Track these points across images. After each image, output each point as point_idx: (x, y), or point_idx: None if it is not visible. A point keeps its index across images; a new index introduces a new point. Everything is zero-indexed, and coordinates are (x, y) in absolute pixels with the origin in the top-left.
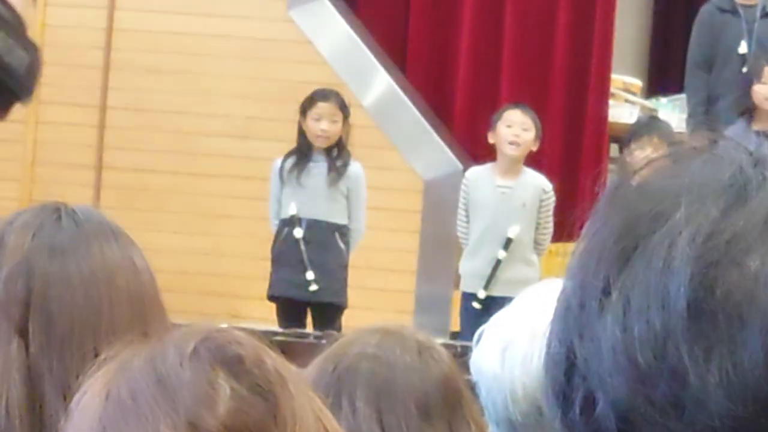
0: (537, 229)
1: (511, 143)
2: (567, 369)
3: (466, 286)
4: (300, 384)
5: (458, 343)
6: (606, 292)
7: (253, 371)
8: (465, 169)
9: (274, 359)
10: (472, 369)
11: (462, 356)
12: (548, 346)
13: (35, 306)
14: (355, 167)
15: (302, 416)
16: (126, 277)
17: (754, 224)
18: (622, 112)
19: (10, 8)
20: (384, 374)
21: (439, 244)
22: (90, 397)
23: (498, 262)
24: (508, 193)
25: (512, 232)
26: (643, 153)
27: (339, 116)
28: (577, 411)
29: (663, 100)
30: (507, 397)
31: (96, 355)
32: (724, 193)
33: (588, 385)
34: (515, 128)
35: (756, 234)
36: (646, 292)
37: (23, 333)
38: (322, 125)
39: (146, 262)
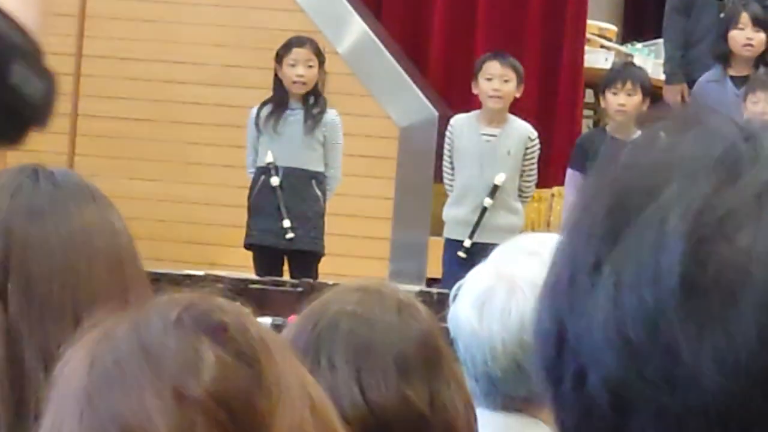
0: (521, 176)
1: (491, 97)
2: (557, 344)
3: (450, 233)
4: (285, 351)
5: (435, 290)
6: (597, 267)
7: (238, 338)
8: (440, 116)
9: (258, 327)
10: (450, 325)
11: (439, 303)
12: (538, 321)
13: (14, 268)
14: (331, 115)
15: (287, 383)
16: (104, 240)
17: (746, 200)
18: (598, 57)
19: (27, 35)
20: (363, 333)
21: (415, 191)
22: (74, 366)
23: (484, 209)
24: (493, 141)
25: (498, 179)
26: (617, 99)
27: (314, 61)
28: (568, 386)
29: (638, 45)
30: (486, 353)
31: (76, 318)
32: (716, 168)
33: (579, 361)
34: (495, 81)
35: (748, 210)
36: (637, 268)
37: (1, 295)
38: (298, 70)
39: (124, 224)
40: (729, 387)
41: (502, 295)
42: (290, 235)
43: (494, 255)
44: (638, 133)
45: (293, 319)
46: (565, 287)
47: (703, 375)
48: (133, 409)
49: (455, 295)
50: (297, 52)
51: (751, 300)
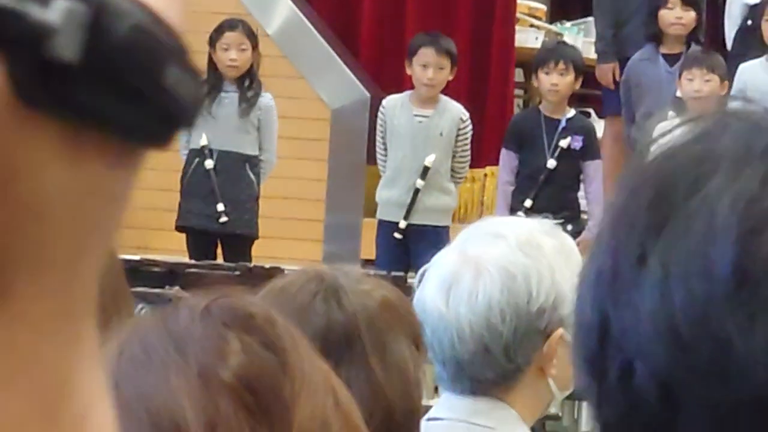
0: (454, 157)
1: (425, 85)
2: (601, 337)
3: (384, 214)
4: (309, 347)
5: (371, 271)
6: (642, 259)
7: (265, 328)
8: (372, 97)
9: (284, 321)
10: (416, 308)
11: None
12: (579, 314)
13: None
14: (266, 98)
15: (311, 373)
16: None
17: None
18: (528, 37)
19: (175, 34)
20: (292, 321)
21: (348, 172)
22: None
23: (416, 191)
24: (425, 123)
25: (429, 160)
26: (549, 78)
27: (247, 44)
28: (613, 380)
29: (567, 24)
30: (453, 336)
31: None
32: (763, 159)
33: (625, 354)
34: (430, 70)
35: None
36: (686, 260)
37: None
38: (231, 54)
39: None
40: None
41: (469, 278)
42: (224, 218)
43: (459, 238)
44: (571, 112)
45: None
46: (609, 280)
47: (757, 367)
48: (160, 391)
49: (420, 279)
50: (229, 36)
51: None
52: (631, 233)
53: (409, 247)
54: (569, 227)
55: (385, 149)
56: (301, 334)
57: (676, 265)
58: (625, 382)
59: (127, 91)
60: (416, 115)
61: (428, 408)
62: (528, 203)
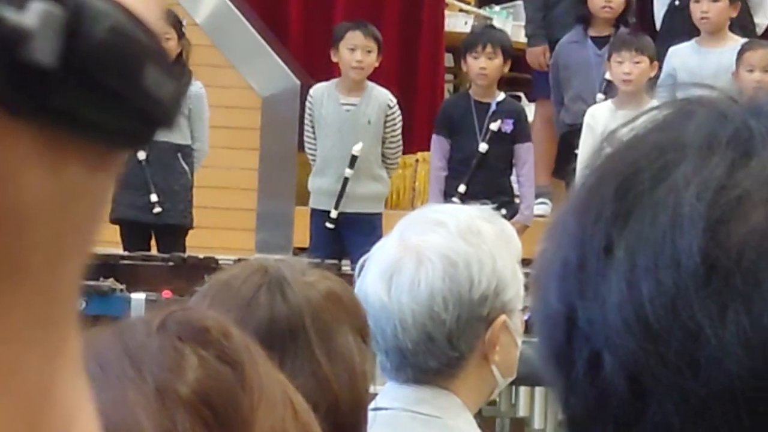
0: (384, 144)
1: (354, 68)
2: (567, 329)
3: (315, 203)
4: (265, 359)
5: (305, 260)
6: (608, 250)
7: (221, 341)
8: (302, 85)
9: (240, 333)
10: (359, 298)
11: None
12: (543, 305)
13: None
14: (195, 87)
15: (269, 386)
16: None
17: (763, 180)
18: (457, 21)
19: (152, 33)
20: (236, 314)
21: (279, 161)
22: None
23: (346, 180)
24: (353, 111)
25: (356, 149)
26: (478, 62)
27: (172, 34)
28: (581, 372)
29: (496, 8)
30: (396, 326)
31: None
32: (728, 147)
33: (593, 346)
34: (358, 53)
35: (764, 190)
36: (653, 250)
37: None
38: None
39: None
40: (756, 368)
41: (411, 266)
42: (157, 209)
43: (399, 227)
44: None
45: (167, 293)
46: (574, 271)
47: (728, 357)
48: (117, 408)
49: (361, 269)
50: None
51: None
52: (597, 224)
53: (343, 235)
54: (504, 212)
55: (314, 137)
56: (253, 342)
57: (644, 256)
58: (594, 374)
59: (106, 94)
60: (343, 104)
61: (373, 396)
62: (462, 188)
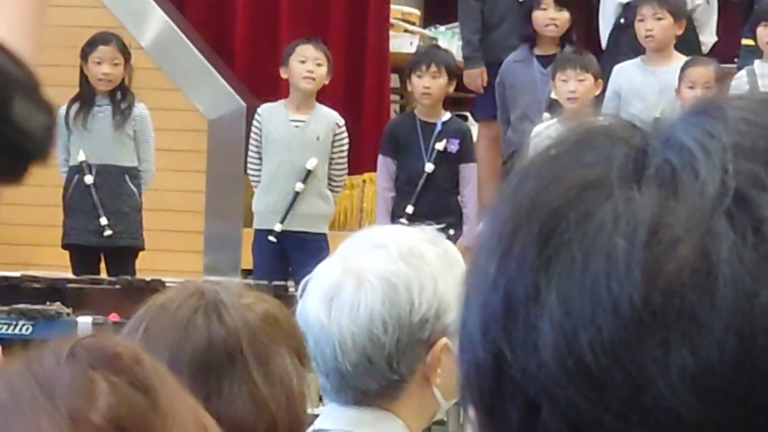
0: (330, 164)
1: (305, 78)
2: (496, 377)
3: (260, 223)
4: (177, 384)
5: (252, 281)
6: (536, 297)
7: (132, 367)
8: (248, 107)
9: (151, 359)
10: (299, 320)
11: None
12: (468, 351)
13: None
14: (139, 108)
15: (182, 411)
16: None
17: (694, 221)
18: (402, 42)
19: (23, 66)
20: (173, 337)
21: (226, 183)
22: None
23: (296, 194)
24: (302, 127)
25: (311, 164)
26: (422, 81)
27: (120, 59)
28: (515, 420)
29: (441, 28)
30: (336, 348)
31: None
32: (654, 184)
33: (527, 395)
34: (309, 63)
35: (701, 228)
36: (589, 297)
37: None
38: (104, 68)
39: None
40: (704, 410)
41: (350, 289)
42: (108, 232)
43: (341, 249)
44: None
45: (114, 316)
46: (500, 318)
47: (676, 400)
48: None
49: (303, 291)
50: (102, 50)
51: (716, 321)
52: (521, 269)
53: (288, 255)
54: (451, 232)
55: (259, 158)
56: (165, 369)
57: (579, 305)
58: (530, 421)
59: None
60: (292, 120)
61: (313, 417)
62: (410, 209)
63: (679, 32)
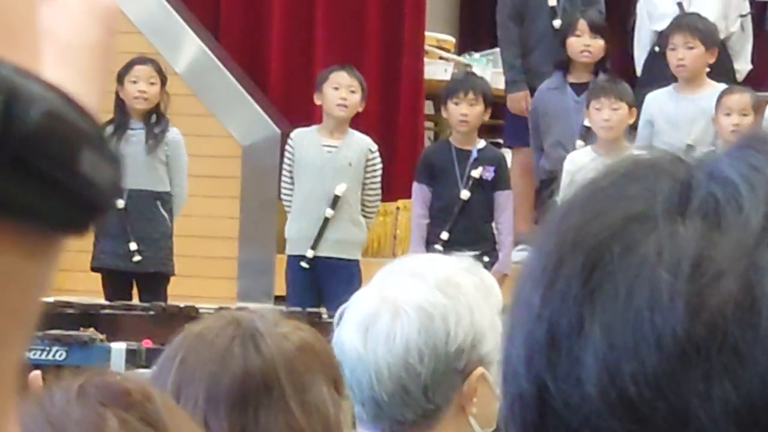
0: (364, 189)
1: (338, 105)
2: (540, 409)
3: (292, 249)
4: (186, 417)
5: (285, 308)
6: (580, 329)
7: (143, 404)
8: (282, 133)
9: (161, 394)
10: (335, 349)
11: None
12: (512, 383)
13: None
14: (173, 133)
15: None
16: None
17: (738, 254)
18: (437, 69)
19: (89, 116)
20: (210, 367)
21: (260, 209)
22: None
23: (326, 220)
24: (334, 152)
25: (339, 189)
26: (459, 109)
27: (156, 79)
28: None
29: (476, 55)
30: (372, 377)
31: None
32: (697, 217)
33: (570, 426)
34: (342, 90)
35: (744, 261)
36: (632, 330)
37: None
38: (140, 86)
39: None
40: None
41: (386, 318)
42: (137, 257)
43: (377, 278)
44: (482, 142)
45: (147, 342)
46: (544, 350)
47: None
48: None
49: (339, 319)
50: (139, 69)
51: (759, 355)
52: (565, 302)
53: (320, 281)
54: (486, 259)
55: (292, 183)
56: (174, 403)
57: (622, 336)
58: None
59: (41, 180)
60: (324, 146)
61: None
62: (445, 236)
63: (711, 60)
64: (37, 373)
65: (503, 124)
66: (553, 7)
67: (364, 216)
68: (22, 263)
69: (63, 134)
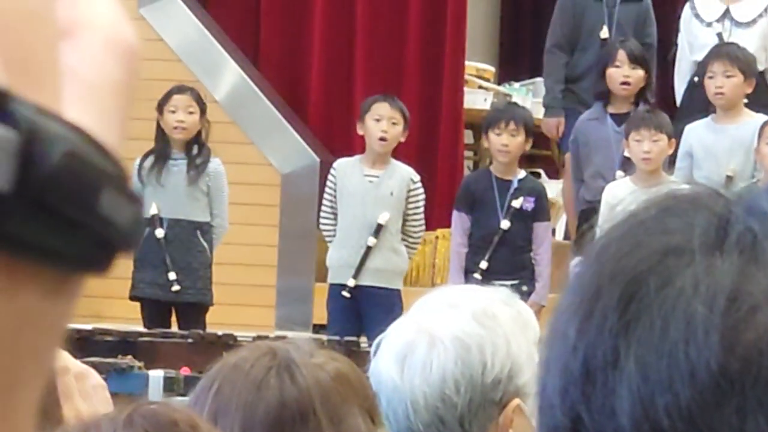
0: (406, 219)
1: (380, 139)
2: None
3: (334, 277)
4: None
5: (324, 337)
6: (615, 362)
7: None
8: (322, 162)
9: (207, 425)
10: (372, 379)
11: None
12: (547, 415)
13: None
14: (215, 164)
15: None
16: None
17: None
18: (476, 98)
19: (110, 157)
20: (246, 397)
21: (299, 237)
22: None
23: (368, 249)
24: (376, 182)
25: (382, 218)
26: (500, 139)
27: (195, 108)
28: None
29: (516, 85)
30: (408, 408)
31: None
32: (735, 252)
33: None
34: (384, 123)
35: None
36: (667, 363)
37: None
38: (179, 116)
39: None
40: None
41: (423, 348)
42: (176, 287)
43: (414, 308)
44: (522, 172)
45: (185, 370)
46: (580, 382)
47: None
48: None
49: (376, 349)
50: (177, 99)
51: None
52: (601, 334)
53: (361, 310)
54: (524, 289)
55: (331, 213)
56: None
57: (657, 370)
58: None
59: (60, 220)
60: (366, 175)
61: None
62: (483, 265)
63: (749, 90)
64: (102, 384)
65: (544, 153)
66: (604, 39)
67: (408, 246)
68: (40, 303)
69: (83, 175)
